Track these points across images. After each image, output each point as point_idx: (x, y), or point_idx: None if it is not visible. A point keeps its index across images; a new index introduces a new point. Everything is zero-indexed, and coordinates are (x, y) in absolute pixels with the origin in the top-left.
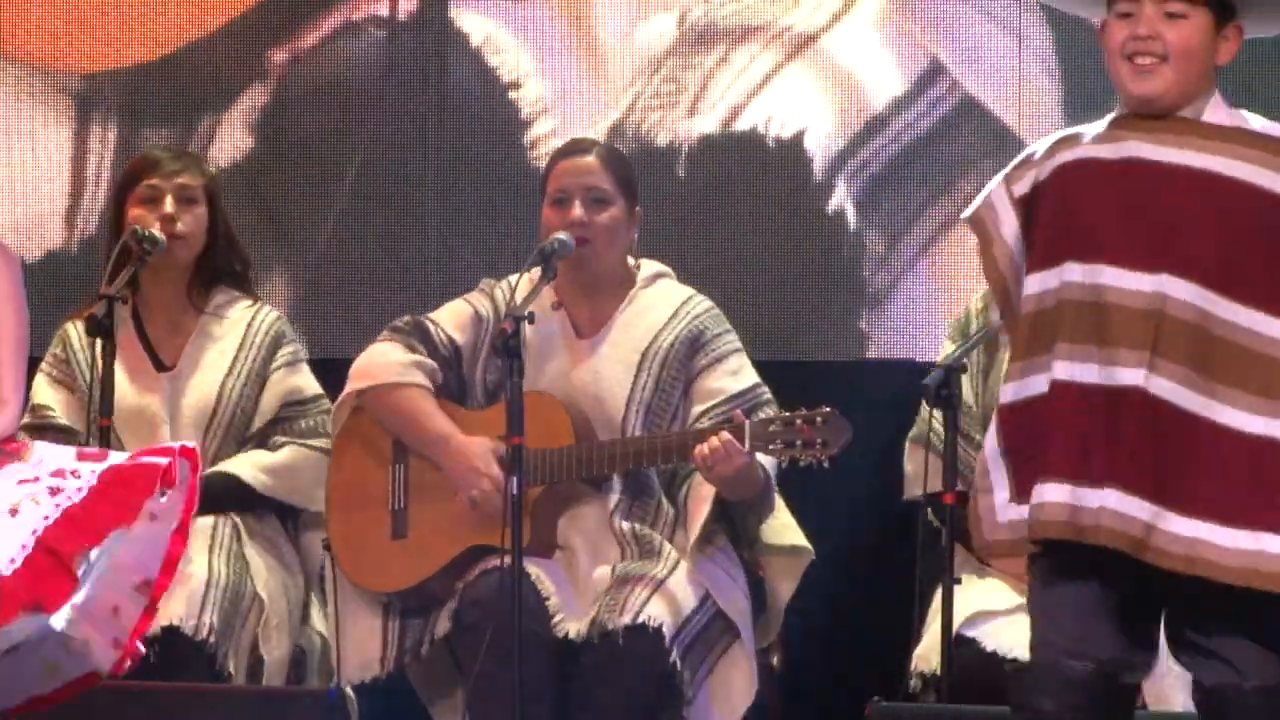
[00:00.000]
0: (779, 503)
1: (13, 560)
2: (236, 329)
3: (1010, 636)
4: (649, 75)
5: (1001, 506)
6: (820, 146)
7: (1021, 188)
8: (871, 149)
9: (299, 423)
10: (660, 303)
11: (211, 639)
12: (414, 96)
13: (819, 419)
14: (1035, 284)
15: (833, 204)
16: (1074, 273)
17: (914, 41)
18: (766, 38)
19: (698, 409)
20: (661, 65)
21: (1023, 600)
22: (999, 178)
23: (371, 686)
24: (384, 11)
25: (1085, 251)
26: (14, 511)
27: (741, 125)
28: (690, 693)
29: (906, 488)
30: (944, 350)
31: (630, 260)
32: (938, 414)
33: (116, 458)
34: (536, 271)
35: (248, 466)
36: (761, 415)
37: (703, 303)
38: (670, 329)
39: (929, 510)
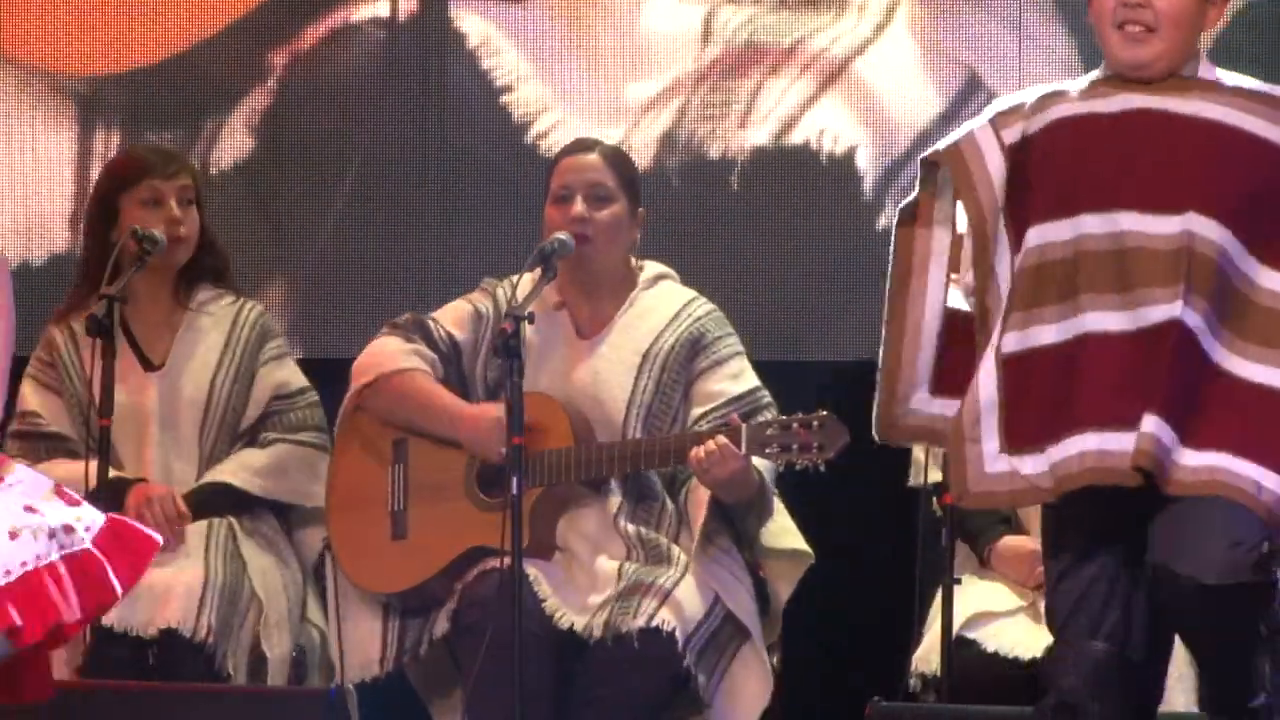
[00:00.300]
0: (779, 506)
1: (9, 572)
2: (222, 325)
3: (1011, 637)
4: (693, 87)
5: (990, 456)
6: (870, 162)
7: (1011, 135)
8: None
9: (288, 416)
10: (662, 304)
11: (210, 640)
12: (414, 96)
13: (815, 423)
14: (1036, 236)
15: (882, 222)
16: (1090, 224)
17: (950, 56)
18: (808, 55)
19: (697, 412)
20: (705, 79)
21: (1023, 602)
22: (983, 119)
23: (371, 686)
24: (384, 12)
25: (1099, 202)
26: (14, 535)
27: (794, 139)
28: (707, 697)
29: (912, 475)
30: None
31: (633, 261)
32: None
33: (98, 519)
34: (538, 272)
35: (240, 471)
36: (760, 419)
37: (704, 305)
38: (671, 331)
39: (933, 499)
